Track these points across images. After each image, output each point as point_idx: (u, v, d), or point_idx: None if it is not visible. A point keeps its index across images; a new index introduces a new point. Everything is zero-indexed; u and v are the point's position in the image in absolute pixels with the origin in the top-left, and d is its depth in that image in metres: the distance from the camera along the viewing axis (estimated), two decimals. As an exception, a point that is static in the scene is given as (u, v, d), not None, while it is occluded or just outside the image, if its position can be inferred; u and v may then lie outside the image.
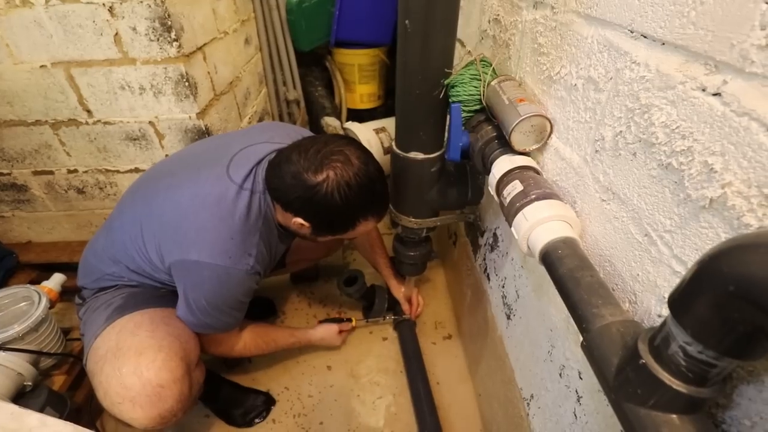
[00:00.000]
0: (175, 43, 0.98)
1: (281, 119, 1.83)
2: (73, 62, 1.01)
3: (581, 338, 0.41)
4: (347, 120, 1.87)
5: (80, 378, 1.02)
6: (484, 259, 1.02)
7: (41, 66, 1.02)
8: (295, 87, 1.80)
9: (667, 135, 0.38)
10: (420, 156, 0.86)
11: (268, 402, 1.11)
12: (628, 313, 0.45)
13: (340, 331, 1.19)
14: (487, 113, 0.74)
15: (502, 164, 0.65)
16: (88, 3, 0.93)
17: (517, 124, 0.61)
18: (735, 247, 0.25)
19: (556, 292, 0.47)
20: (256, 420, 1.08)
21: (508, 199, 0.59)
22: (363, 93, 1.86)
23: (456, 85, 0.75)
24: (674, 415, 0.32)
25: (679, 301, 0.29)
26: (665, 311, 0.33)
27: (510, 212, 0.57)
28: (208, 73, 1.15)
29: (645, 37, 0.41)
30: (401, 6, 0.69)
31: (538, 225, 0.52)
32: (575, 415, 0.59)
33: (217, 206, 0.78)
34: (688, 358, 0.29)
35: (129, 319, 0.81)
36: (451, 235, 1.42)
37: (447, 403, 1.11)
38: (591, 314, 0.40)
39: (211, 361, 1.17)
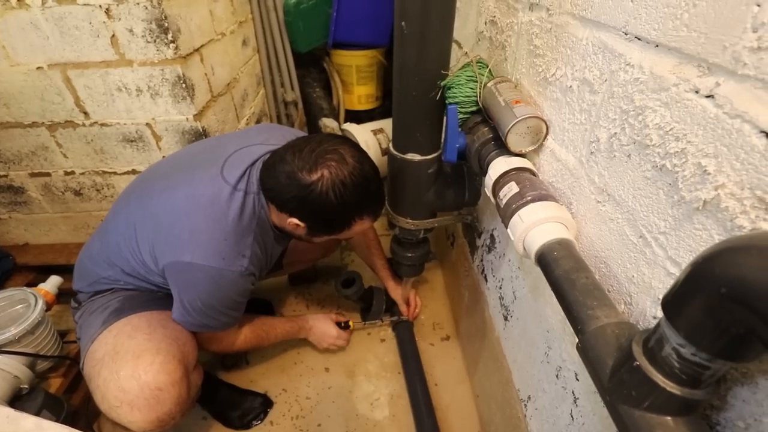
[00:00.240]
0: (171, 45, 0.98)
1: (279, 121, 1.84)
2: (69, 64, 1.01)
3: (577, 340, 0.41)
4: (345, 121, 1.87)
5: (77, 381, 1.02)
6: (482, 261, 1.02)
7: (38, 68, 1.02)
8: (293, 88, 1.80)
9: (661, 137, 0.38)
10: (417, 157, 0.86)
11: (265, 404, 1.11)
12: (624, 314, 0.45)
13: (337, 325, 1.19)
14: (484, 115, 0.74)
15: (498, 166, 0.65)
16: (84, 5, 0.93)
17: (513, 125, 0.61)
18: (727, 250, 0.25)
19: (552, 293, 0.47)
20: (254, 422, 1.07)
21: (504, 201, 0.59)
22: (361, 94, 1.86)
23: (452, 87, 0.75)
24: (669, 417, 0.32)
25: (673, 303, 0.29)
26: (660, 313, 0.33)
27: (506, 214, 0.57)
28: (206, 74, 1.15)
29: (639, 39, 0.41)
30: (397, 8, 0.69)
31: (534, 226, 0.52)
32: (572, 416, 0.59)
33: (210, 207, 0.77)
34: (681, 360, 0.29)
35: (126, 322, 0.81)
36: (449, 236, 1.42)
37: (445, 404, 1.11)
38: (586, 316, 0.40)
39: (209, 363, 1.17)
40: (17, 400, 0.86)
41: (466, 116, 0.78)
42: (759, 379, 0.30)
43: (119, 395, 0.72)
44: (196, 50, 1.09)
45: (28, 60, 1.01)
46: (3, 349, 0.85)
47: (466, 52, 1.07)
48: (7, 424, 0.61)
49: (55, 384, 0.97)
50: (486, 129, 0.73)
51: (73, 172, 1.21)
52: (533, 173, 0.63)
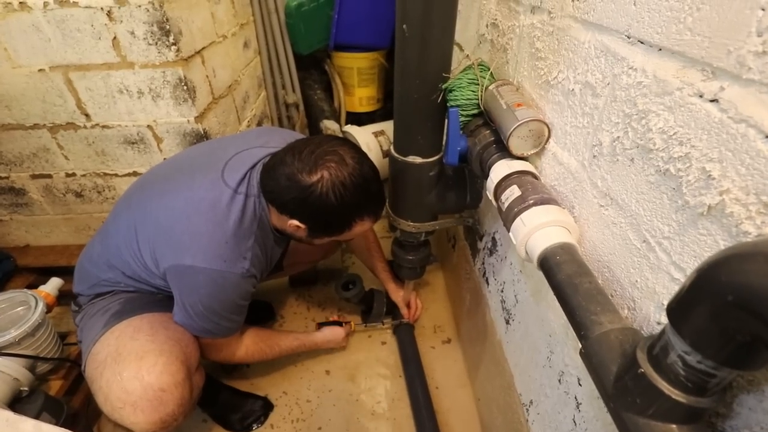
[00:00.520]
0: (173, 47, 0.98)
1: (280, 123, 1.84)
2: (71, 66, 1.01)
3: (580, 345, 0.41)
4: (346, 123, 1.88)
5: (77, 383, 1.02)
6: (483, 263, 1.01)
7: (39, 70, 1.02)
8: (294, 90, 1.80)
9: (665, 141, 0.38)
10: (418, 160, 0.86)
11: (266, 407, 1.10)
12: (627, 320, 0.45)
13: (342, 329, 1.19)
14: (485, 117, 0.74)
15: (500, 169, 0.65)
16: (86, 7, 0.93)
17: (514, 128, 0.61)
18: (733, 256, 0.25)
19: (554, 297, 0.47)
20: (254, 425, 1.07)
21: (506, 204, 0.59)
22: (362, 96, 1.86)
23: (454, 90, 0.75)
24: (673, 425, 0.31)
25: (678, 310, 0.29)
26: (664, 318, 0.33)
27: (508, 217, 0.57)
28: (207, 76, 1.15)
29: (642, 42, 0.41)
30: (399, 10, 0.69)
31: (536, 230, 0.52)
32: (574, 422, 0.58)
33: (211, 211, 0.77)
34: (687, 367, 0.29)
35: (128, 323, 0.80)
36: (450, 239, 1.41)
37: (446, 407, 1.10)
38: (589, 321, 0.40)
39: (210, 366, 1.16)
40: (17, 403, 0.86)
41: (467, 119, 0.77)
42: (765, 387, 0.30)
43: (122, 396, 0.72)
44: (198, 52, 1.09)
45: (30, 62, 1.01)
46: (3, 351, 0.85)
47: (468, 55, 1.07)
48: (7, 427, 0.60)
49: (55, 386, 0.97)
50: (488, 132, 0.73)
51: (74, 174, 1.21)
52: (535, 176, 0.63)
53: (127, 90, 1.05)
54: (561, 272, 0.46)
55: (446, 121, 0.81)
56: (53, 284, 1.06)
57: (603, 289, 0.43)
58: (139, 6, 0.92)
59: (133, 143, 1.14)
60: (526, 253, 0.53)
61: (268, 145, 0.88)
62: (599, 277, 0.50)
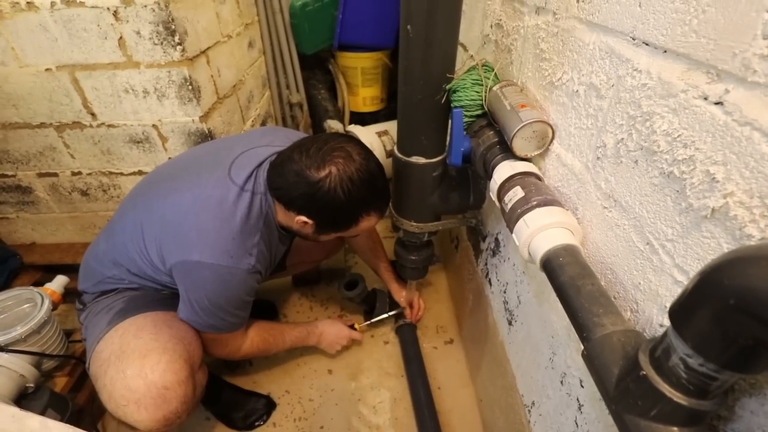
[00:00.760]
0: (178, 47, 0.99)
1: (284, 122, 1.84)
2: (77, 65, 1.02)
3: (582, 347, 0.41)
4: (350, 123, 1.88)
5: (82, 380, 1.02)
6: (486, 264, 1.01)
7: (46, 69, 1.03)
8: (298, 90, 1.80)
9: (669, 143, 0.38)
10: (422, 160, 0.86)
11: (268, 405, 1.11)
12: (630, 322, 0.45)
13: (350, 333, 1.18)
14: (489, 118, 0.74)
15: (503, 170, 0.64)
16: (92, 7, 0.94)
17: (518, 129, 0.61)
18: (736, 260, 0.25)
19: (557, 299, 0.47)
20: (257, 423, 1.08)
21: (509, 205, 0.59)
22: (366, 96, 1.86)
23: (458, 90, 0.75)
24: (675, 428, 0.31)
25: (680, 312, 0.29)
26: (667, 321, 0.33)
27: (511, 218, 0.57)
28: (212, 76, 1.15)
29: (647, 44, 0.41)
30: (403, 11, 0.69)
31: (539, 232, 0.52)
32: (576, 423, 0.58)
33: (218, 208, 0.78)
34: (688, 370, 0.29)
35: (131, 322, 0.81)
36: (453, 239, 1.41)
37: (448, 408, 1.10)
38: (592, 323, 0.40)
39: (213, 364, 1.17)
40: (23, 399, 0.87)
41: (471, 120, 0.77)
42: (767, 390, 0.30)
43: (126, 394, 0.73)
44: (203, 52, 1.10)
45: (37, 62, 1.02)
46: (9, 347, 0.86)
47: (472, 55, 1.07)
48: (13, 423, 0.61)
49: (60, 383, 0.98)
50: (491, 133, 0.73)
51: (80, 173, 1.22)
52: (539, 178, 0.63)
53: (132, 89, 1.05)
54: (564, 274, 0.46)
55: (450, 121, 0.81)
56: (59, 282, 1.07)
57: (606, 291, 0.43)
58: (145, 6, 0.93)
59: (138, 142, 1.15)
60: (529, 254, 0.53)
61: (273, 144, 0.89)
62: (602, 279, 0.50)
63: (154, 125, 1.12)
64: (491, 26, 0.90)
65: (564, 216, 0.53)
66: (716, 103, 0.33)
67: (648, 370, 0.32)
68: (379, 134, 1.66)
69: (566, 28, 0.57)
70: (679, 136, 0.37)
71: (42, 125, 1.12)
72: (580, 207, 0.56)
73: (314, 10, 1.61)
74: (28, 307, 0.96)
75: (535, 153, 0.64)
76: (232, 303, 0.82)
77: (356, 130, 1.67)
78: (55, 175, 1.23)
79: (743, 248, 0.26)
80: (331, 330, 1.15)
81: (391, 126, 1.69)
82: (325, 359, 1.23)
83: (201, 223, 0.77)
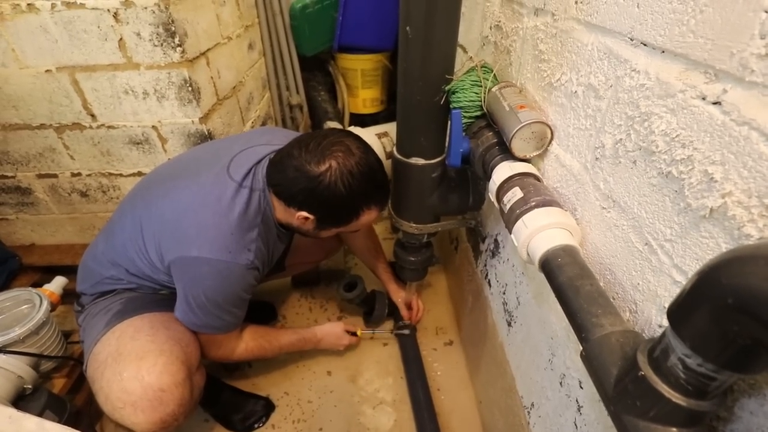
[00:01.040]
0: (178, 49, 0.99)
1: (284, 124, 1.84)
2: (77, 67, 1.02)
3: (581, 347, 0.41)
4: (350, 125, 1.88)
5: (80, 381, 1.02)
6: (485, 265, 1.01)
7: (46, 70, 1.03)
8: (298, 92, 1.80)
9: (667, 143, 0.38)
10: (421, 161, 0.86)
11: (267, 407, 1.11)
12: (629, 322, 0.45)
13: (347, 331, 1.17)
14: (488, 119, 0.74)
15: (502, 171, 0.64)
16: (93, 9, 0.94)
17: (517, 130, 0.61)
18: (734, 259, 0.25)
19: (556, 300, 0.47)
20: (256, 425, 1.07)
21: (508, 206, 0.59)
22: (366, 98, 1.87)
23: (457, 91, 0.75)
24: (674, 429, 0.31)
25: (678, 312, 0.29)
26: (666, 321, 0.33)
27: (510, 219, 0.57)
28: (212, 78, 1.16)
29: (645, 45, 0.41)
30: (402, 12, 0.70)
31: (538, 232, 0.51)
32: (576, 425, 0.58)
33: (217, 204, 0.78)
34: (687, 370, 0.29)
35: (129, 323, 0.81)
36: (453, 240, 1.41)
37: (448, 409, 1.10)
38: (590, 324, 0.40)
39: (211, 366, 1.16)
40: (20, 400, 0.86)
41: (470, 121, 0.77)
42: (767, 390, 0.30)
43: (122, 396, 0.72)
44: (203, 54, 1.10)
45: (37, 63, 1.02)
46: (7, 349, 0.86)
47: (471, 57, 1.07)
48: (10, 424, 0.61)
49: (58, 384, 0.97)
50: (490, 134, 0.73)
51: (79, 174, 1.22)
52: (537, 178, 0.63)
53: (132, 91, 1.06)
54: (563, 274, 0.45)
55: (449, 123, 0.81)
56: (58, 283, 1.06)
57: (604, 292, 0.43)
58: (145, 8, 0.93)
59: (138, 143, 1.15)
60: (528, 255, 0.53)
61: (272, 142, 0.89)
62: (601, 279, 0.50)
63: (153, 126, 1.12)
64: (490, 28, 0.90)
65: (563, 216, 0.53)
66: (714, 103, 0.33)
67: (646, 371, 0.31)
68: (379, 136, 1.66)
69: (565, 29, 0.57)
70: (677, 136, 0.37)
71: (42, 126, 1.12)
72: (579, 207, 0.55)
73: (314, 12, 1.62)
74: (27, 308, 0.96)
75: (534, 154, 0.64)
76: (229, 300, 0.82)
77: (356, 131, 1.67)
78: (55, 176, 1.23)
79: (741, 248, 0.26)
80: (330, 337, 1.15)
81: (391, 128, 1.69)
82: (324, 361, 1.22)
83: (199, 219, 0.77)
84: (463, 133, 0.78)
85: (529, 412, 0.76)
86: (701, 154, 0.34)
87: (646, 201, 0.42)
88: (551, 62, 0.61)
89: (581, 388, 0.56)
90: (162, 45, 0.98)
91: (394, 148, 0.91)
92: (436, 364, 1.21)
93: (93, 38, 0.98)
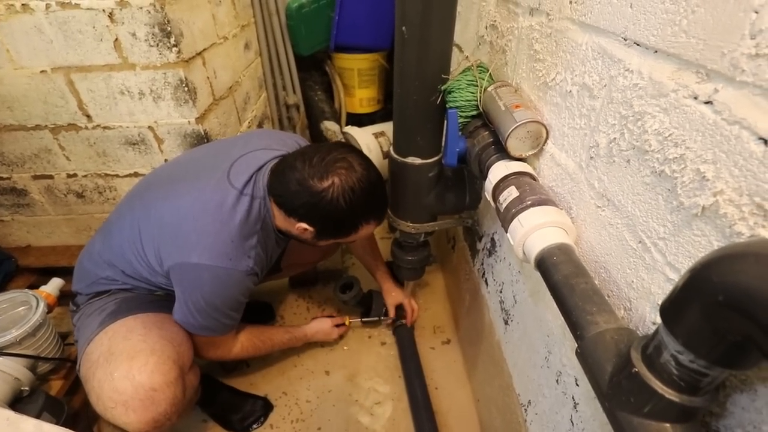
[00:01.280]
0: (174, 49, 0.99)
1: (281, 124, 1.84)
2: (73, 67, 1.02)
3: (576, 345, 0.41)
4: (346, 124, 1.88)
5: (78, 383, 1.02)
6: (482, 264, 1.02)
7: (41, 71, 1.02)
8: (294, 91, 1.80)
9: (660, 142, 0.38)
10: (417, 161, 0.86)
11: (265, 407, 1.11)
12: (623, 320, 0.45)
13: (336, 326, 1.21)
14: (484, 119, 0.74)
15: (498, 170, 0.65)
16: (88, 9, 0.93)
17: (513, 130, 0.61)
18: (725, 257, 0.25)
19: (551, 298, 0.47)
20: (254, 425, 1.07)
21: (504, 205, 0.59)
22: (362, 97, 1.87)
23: (453, 91, 0.75)
24: (667, 424, 0.32)
25: (671, 309, 0.29)
26: (659, 319, 0.33)
27: (506, 218, 0.57)
28: (208, 78, 1.15)
29: (638, 44, 0.42)
30: (398, 12, 0.70)
31: (534, 231, 0.52)
32: (572, 422, 0.58)
33: (218, 211, 0.79)
34: (680, 366, 0.29)
35: (121, 323, 0.81)
36: (450, 240, 1.42)
37: (445, 408, 1.10)
38: (585, 321, 0.40)
39: (209, 366, 1.17)
40: (18, 402, 0.86)
41: (466, 120, 0.78)
42: (758, 386, 0.30)
43: (114, 396, 0.72)
44: (199, 54, 1.10)
45: (32, 63, 1.01)
46: (4, 351, 0.86)
47: (467, 56, 1.08)
48: (7, 427, 0.61)
49: (55, 386, 0.97)
50: (486, 133, 0.73)
51: (75, 175, 1.22)
52: (533, 178, 0.63)
53: (128, 91, 1.05)
54: (558, 273, 0.46)
55: (445, 122, 0.81)
56: (54, 284, 1.06)
57: (599, 290, 0.43)
58: (141, 8, 0.93)
59: (134, 144, 1.15)
60: (524, 253, 0.53)
61: (271, 147, 0.90)
62: (596, 277, 0.50)
63: (149, 127, 1.11)
64: (486, 27, 0.90)
65: (558, 215, 0.53)
66: (706, 103, 0.33)
67: (640, 367, 0.32)
68: (376, 135, 1.66)
69: (559, 29, 0.57)
70: (669, 135, 0.37)
71: (37, 127, 1.12)
72: (574, 206, 0.56)
73: (310, 11, 1.62)
74: (23, 309, 0.96)
75: (530, 153, 0.65)
76: (227, 304, 0.83)
77: (353, 131, 1.68)
78: (51, 177, 1.22)
79: (731, 245, 0.26)
80: (319, 334, 1.19)
81: (388, 127, 1.69)
82: (322, 360, 1.23)
83: (200, 226, 0.78)
84: (460, 133, 0.79)
85: (525, 410, 0.76)
86: (693, 153, 0.35)
87: (640, 199, 0.42)
88: (546, 62, 0.62)
89: (577, 385, 0.57)
90: (158, 45, 0.98)
91: (391, 148, 0.91)
92: (434, 362, 1.22)
93: (88, 39, 0.97)
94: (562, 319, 0.45)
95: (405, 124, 0.84)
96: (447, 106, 0.77)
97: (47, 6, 0.93)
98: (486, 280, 0.99)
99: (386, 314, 1.27)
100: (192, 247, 0.77)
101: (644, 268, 0.42)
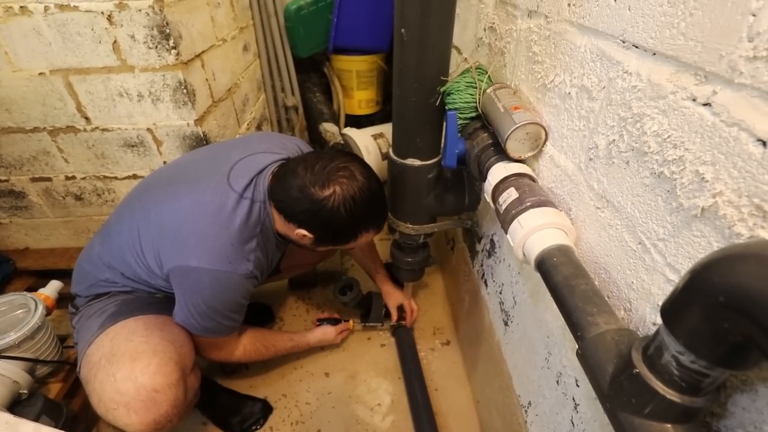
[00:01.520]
0: (173, 51, 0.99)
1: (280, 125, 1.84)
2: (71, 70, 1.02)
3: (577, 346, 0.41)
4: (345, 126, 1.88)
5: (76, 386, 1.01)
6: (482, 265, 1.02)
7: (40, 73, 1.02)
8: (293, 93, 1.80)
9: (659, 144, 0.39)
10: (417, 163, 0.86)
11: (265, 409, 1.10)
12: (623, 321, 0.45)
13: (340, 332, 1.21)
14: (483, 121, 0.74)
15: (497, 171, 0.65)
16: (87, 11, 0.93)
17: (512, 131, 0.61)
18: (725, 258, 0.25)
19: (551, 299, 0.47)
20: (254, 428, 1.07)
21: (503, 207, 0.59)
22: (361, 99, 1.87)
23: (452, 93, 0.75)
24: (669, 425, 0.32)
25: (671, 310, 0.29)
26: (659, 319, 0.33)
27: (505, 219, 0.57)
28: (207, 80, 1.15)
29: (636, 47, 0.42)
30: (397, 14, 0.70)
31: (534, 232, 0.52)
32: (572, 423, 0.58)
33: (218, 214, 0.79)
34: (681, 367, 0.29)
35: (123, 325, 0.81)
36: (449, 241, 1.42)
37: (445, 409, 1.10)
38: (586, 322, 0.40)
39: (209, 368, 1.16)
40: (16, 405, 0.86)
41: (465, 122, 0.78)
42: (759, 386, 0.30)
43: (116, 397, 0.72)
44: (198, 56, 1.10)
45: (31, 66, 1.01)
46: (2, 354, 0.85)
47: (466, 58, 1.08)
48: (6, 430, 0.61)
49: (54, 389, 0.97)
50: (485, 135, 0.73)
51: (74, 177, 1.22)
52: (532, 179, 0.63)
53: (127, 93, 1.05)
54: (558, 274, 0.46)
55: (444, 124, 0.81)
56: (53, 287, 1.06)
57: (599, 291, 0.43)
58: (140, 10, 0.93)
59: (133, 146, 1.15)
60: (524, 255, 0.53)
61: (272, 150, 0.90)
62: (596, 278, 0.50)
63: (148, 129, 1.11)
64: (485, 29, 0.90)
65: (557, 217, 0.53)
66: (704, 105, 0.33)
67: (641, 368, 0.32)
68: (375, 137, 1.67)
69: (558, 31, 0.58)
70: (668, 137, 0.37)
71: (35, 129, 1.12)
72: (574, 207, 0.56)
73: (309, 13, 1.62)
74: (22, 312, 0.96)
75: (529, 154, 0.65)
76: (228, 307, 0.83)
77: (351, 132, 1.68)
78: (49, 179, 1.22)
79: (731, 246, 0.26)
80: (322, 343, 1.20)
81: (387, 129, 1.70)
82: (321, 363, 1.22)
83: (200, 229, 0.78)
84: (459, 134, 0.79)
85: (526, 411, 0.76)
86: (692, 154, 0.35)
87: (639, 201, 0.42)
88: (545, 64, 0.62)
89: (577, 386, 0.57)
90: (156, 47, 0.98)
91: (390, 150, 0.91)
92: (434, 364, 1.22)
93: (87, 41, 0.97)
94: (562, 320, 0.45)
95: (404, 126, 0.84)
96: (446, 107, 0.77)
97: (46, 8, 0.93)
98: (485, 282, 0.99)
99: (387, 316, 1.27)
100: (191, 250, 0.77)
101: (644, 269, 0.42)
